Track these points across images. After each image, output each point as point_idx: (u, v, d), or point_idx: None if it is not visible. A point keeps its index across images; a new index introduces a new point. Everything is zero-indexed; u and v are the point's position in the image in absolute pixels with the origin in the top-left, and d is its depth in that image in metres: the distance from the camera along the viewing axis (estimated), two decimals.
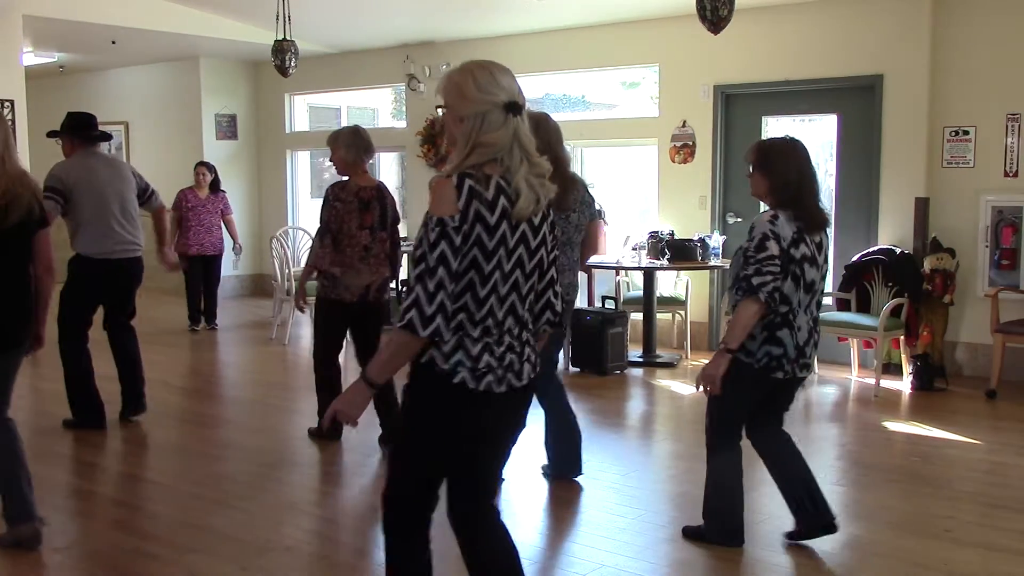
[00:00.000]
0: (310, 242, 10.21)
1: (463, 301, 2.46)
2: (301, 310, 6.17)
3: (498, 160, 2.47)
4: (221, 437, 5.91)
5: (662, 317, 8.20)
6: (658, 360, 7.82)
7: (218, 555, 3.94)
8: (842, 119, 7.69)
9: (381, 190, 5.34)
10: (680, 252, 7.64)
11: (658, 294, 8.00)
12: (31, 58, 10.37)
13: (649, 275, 7.80)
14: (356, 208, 5.20)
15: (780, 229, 3.63)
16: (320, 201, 5.42)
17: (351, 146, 5.25)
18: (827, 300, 7.32)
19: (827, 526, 3.94)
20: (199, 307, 9.50)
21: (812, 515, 3.94)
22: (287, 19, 7.68)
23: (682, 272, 8.15)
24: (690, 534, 4.07)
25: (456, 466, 2.68)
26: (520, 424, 2.72)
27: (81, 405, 5.72)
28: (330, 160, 5.44)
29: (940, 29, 7.24)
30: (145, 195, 5.85)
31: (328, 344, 5.44)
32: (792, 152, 3.74)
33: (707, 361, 3.77)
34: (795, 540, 4.00)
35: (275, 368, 8.01)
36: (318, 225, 5.30)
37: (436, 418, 2.55)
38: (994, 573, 3.79)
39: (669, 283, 8.40)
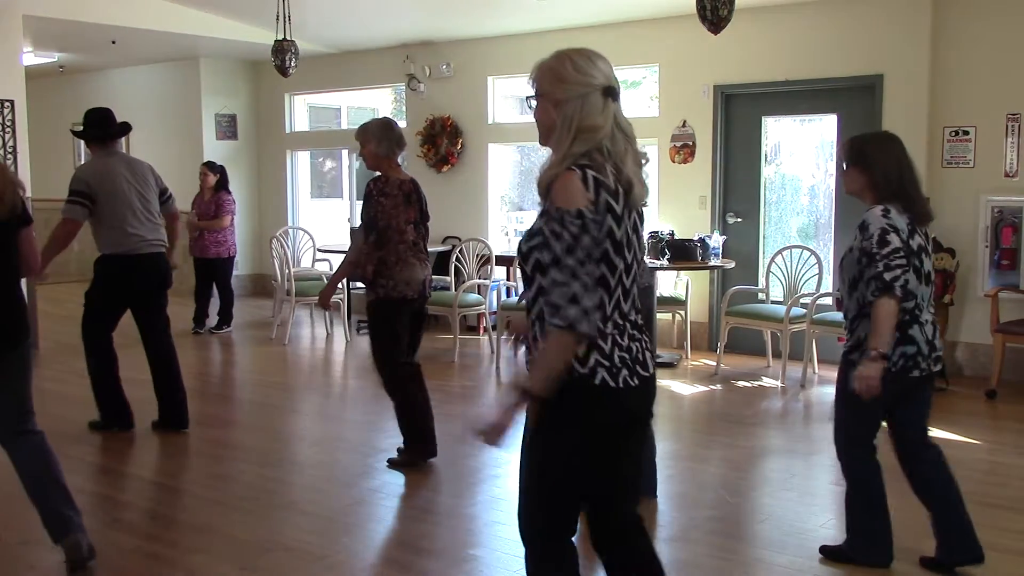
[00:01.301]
0: (310, 242, 10.28)
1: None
2: (326, 308, 5.56)
3: (603, 150, 2.38)
4: (222, 437, 5.90)
5: (662, 317, 8.20)
6: (658, 360, 7.80)
7: (218, 555, 3.94)
8: (842, 119, 7.69)
9: (416, 184, 5.16)
10: (680, 252, 7.65)
11: (658, 294, 7.98)
12: (31, 58, 10.37)
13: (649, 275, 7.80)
14: (402, 203, 5.00)
15: (895, 221, 3.50)
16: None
17: (383, 140, 5.05)
18: (827, 300, 7.35)
19: (974, 559, 3.70)
20: (204, 310, 9.48)
21: (958, 545, 3.73)
22: (287, 19, 7.68)
23: (682, 272, 8.15)
24: (831, 554, 3.83)
25: (607, 476, 2.54)
26: (651, 416, 2.60)
27: (108, 407, 5.72)
28: (359, 155, 5.24)
29: (940, 29, 7.24)
30: (162, 198, 5.82)
31: (399, 345, 5.10)
32: (890, 145, 3.65)
33: (861, 368, 3.50)
34: (934, 569, 3.77)
35: (275, 368, 8.01)
36: (360, 222, 5.08)
37: (584, 425, 2.41)
38: (994, 573, 3.79)
39: (669, 283, 8.41)
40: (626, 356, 2.42)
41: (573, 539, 2.61)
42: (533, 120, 2.52)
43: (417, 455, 5.15)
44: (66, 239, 5.51)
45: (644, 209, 2.56)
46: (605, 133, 2.39)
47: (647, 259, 7.68)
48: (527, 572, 2.61)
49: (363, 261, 5.04)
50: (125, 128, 5.83)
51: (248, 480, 4.96)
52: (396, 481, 5.00)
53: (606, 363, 2.38)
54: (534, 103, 2.48)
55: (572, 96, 2.38)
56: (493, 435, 2.40)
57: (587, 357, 2.37)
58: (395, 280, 5.00)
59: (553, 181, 2.36)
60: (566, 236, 2.29)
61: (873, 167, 3.59)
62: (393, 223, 4.98)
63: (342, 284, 9.06)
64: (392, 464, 5.14)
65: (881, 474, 3.76)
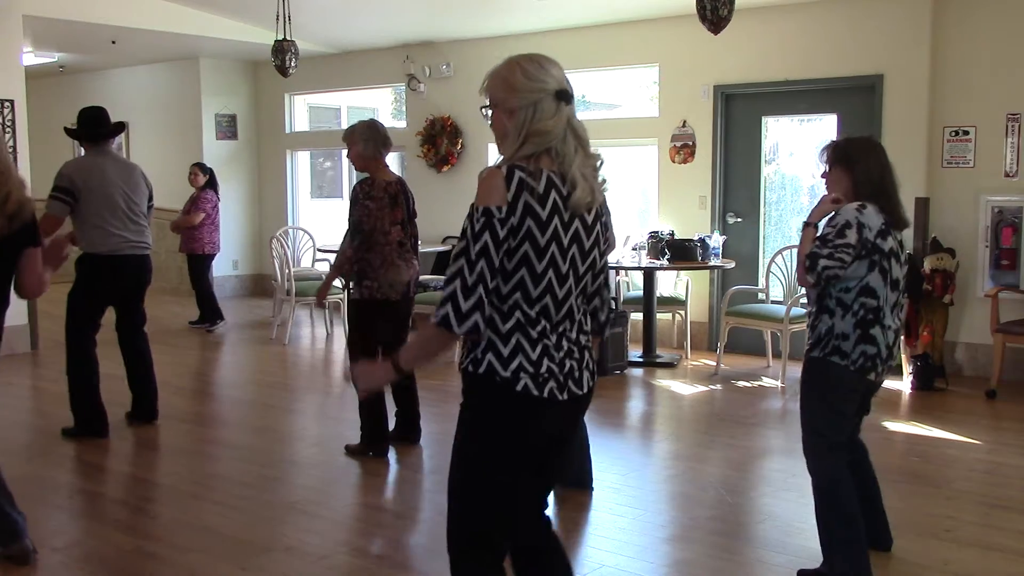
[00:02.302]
0: (310, 242, 10.29)
1: (514, 299, 2.35)
2: (321, 305, 5.86)
3: (551, 152, 2.37)
4: (221, 437, 5.91)
5: (662, 317, 8.20)
6: (658, 360, 7.81)
7: (218, 555, 3.94)
8: (842, 119, 7.69)
9: (403, 184, 5.21)
10: (680, 252, 7.64)
11: (658, 294, 8.00)
12: (31, 58, 10.37)
13: (649, 275, 7.80)
14: (387, 204, 5.06)
15: (867, 219, 3.50)
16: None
17: (368, 140, 5.10)
18: None
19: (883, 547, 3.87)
20: (201, 305, 9.60)
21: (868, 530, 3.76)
22: (287, 19, 7.68)
23: (682, 272, 8.15)
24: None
25: (524, 482, 2.50)
26: (576, 432, 2.60)
27: (83, 413, 5.64)
28: (347, 156, 5.29)
29: (940, 29, 7.24)
30: (147, 202, 5.81)
31: (372, 346, 5.20)
32: (872, 148, 3.68)
33: None
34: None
35: (275, 368, 8.01)
36: (347, 225, 5.18)
37: (503, 430, 2.39)
38: (994, 573, 3.79)
39: (669, 283, 8.41)
40: (556, 369, 2.39)
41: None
42: None
43: (370, 448, 5.28)
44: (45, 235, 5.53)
45: (605, 218, 2.50)
46: (556, 136, 2.37)
47: (646, 259, 7.69)
48: None
49: (347, 266, 5.15)
50: (119, 128, 5.83)
51: (248, 480, 4.95)
52: (396, 481, 5.00)
53: (530, 370, 2.35)
54: (489, 112, 2.45)
55: (524, 103, 2.37)
56: (357, 378, 2.54)
57: (510, 361, 2.34)
58: (379, 282, 5.08)
59: (480, 177, 2.37)
60: (467, 232, 2.31)
61: (856, 169, 3.61)
62: (379, 225, 5.05)
63: (341, 284, 9.07)
64: (348, 451, 5.32)
65: (851, 481, 3.64)
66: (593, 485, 4.70)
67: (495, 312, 2.35)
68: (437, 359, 2.42)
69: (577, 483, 4.66)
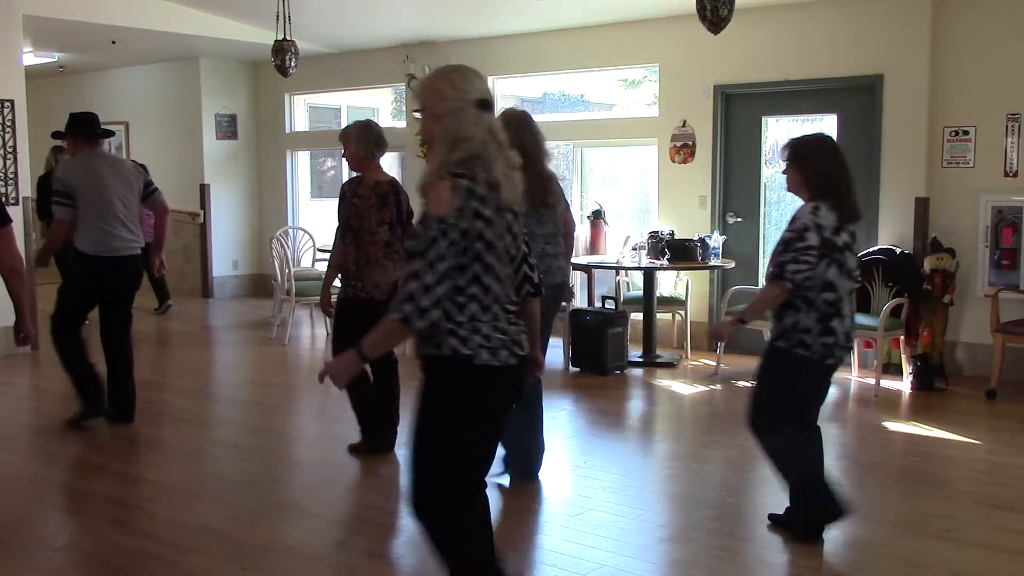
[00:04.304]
0: (310, 242, 10.29)
1: (472, 291, 2.65)
2: (328, 314, 5.56)
3: (478, 156, 2.67)
4: (221, 437, 5.91)
5: (662, 317, 8.20)
6: (658, 360, 7.81)
7: (218, 555, 3.94)
8: (842, 119, 7.69)
9: (395, 185, 5.26)
10: (680, 252, 7.65)
11: (658, 294, 8.00)
12: (31, 58, 10.36)
13: (649, 275, 7.80)
14: (375, 204, 5.11)
15: (822, 219, 3.80)
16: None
17: (362, 141, 5.18)
18: None
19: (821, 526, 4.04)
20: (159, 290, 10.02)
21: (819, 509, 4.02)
22: (287, 19, 7.67)
23: (682, 272, 8.15)
24: (779, 521, 4.11)
25: (486, 444, 2.86)
26: (520, 395, 2.90)
27: (88, 392, 5.72)
28: (343, 156, 5.35)
29: (940, 29, 7.24)
30: (146, 191, 5.82)
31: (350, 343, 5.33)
32: (823, 147, 3.97)
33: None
34: (780, 524, 4.13)
35: (275, 368, 8.01)
36: (337, 224, 5.23)
37: (470, 403, 2.72)
38: (994, 573, 3.79)
39: (669, 283, 8.41)
40: (504, 337, 2.71)
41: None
42: None
43: (370, 444, 5.29)
44: (56, 240, 5.67)
45: (518, 208, 2.84)
46: (479, 142, 2.68)
47: (646, 259, 7.70)
48: (437, 542, 2.82)
49: (342, 261, 5.18)
50: (108, 132, 5.96)
51: (248, 480, 4.96)
52: (396, 481, 5.00)
53: (487, 344, 2.67)
54: (419, 116, 2.78)
55: (449, 110, 2.70)
56: (330, 376, 2.75)
57: (468, 340, 2.65)
58: (363, 281, 5.12)
59: (428, 187, 2.65)
60: (424, 238, 2.59)
61: (807, 166, 3.90)
62: (365, 224, 5.10)
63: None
64: (351, 450, 5.31)
65: (801, 440, 4.00)
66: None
67: (452, 304, 2.63)
68: (395, 347, 2.79)
69: (526, 471, 4.82)
